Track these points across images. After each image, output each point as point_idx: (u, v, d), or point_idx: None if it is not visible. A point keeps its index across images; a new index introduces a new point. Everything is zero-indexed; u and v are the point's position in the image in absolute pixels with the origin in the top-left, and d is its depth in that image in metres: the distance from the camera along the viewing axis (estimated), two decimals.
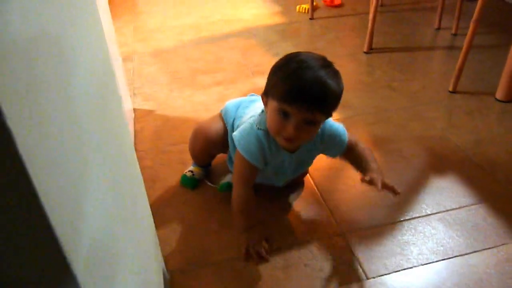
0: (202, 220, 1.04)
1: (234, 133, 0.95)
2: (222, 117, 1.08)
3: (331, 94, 0.82)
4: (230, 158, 1.09)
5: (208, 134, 1.07)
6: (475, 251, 0.93)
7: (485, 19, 2.10)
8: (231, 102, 1.09)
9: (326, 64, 0.84)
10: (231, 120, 1.05)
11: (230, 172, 1.13)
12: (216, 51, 1.91)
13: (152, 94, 1.59)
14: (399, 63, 1.75)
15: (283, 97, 0.82)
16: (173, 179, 1.16)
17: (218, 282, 0.89)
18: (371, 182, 0.86)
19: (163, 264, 0.88)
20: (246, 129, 0.93)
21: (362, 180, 0.87)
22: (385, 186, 0.86)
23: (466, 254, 0.93)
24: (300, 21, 2.21)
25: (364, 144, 1.00)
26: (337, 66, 0.86)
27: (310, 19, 2.21)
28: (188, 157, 1.17)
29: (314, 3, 2.27)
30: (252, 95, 1.12)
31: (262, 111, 0.94)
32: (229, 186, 1.09)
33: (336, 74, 0.84)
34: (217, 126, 1.07)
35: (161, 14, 2.37)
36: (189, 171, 1.16)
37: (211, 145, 1.08)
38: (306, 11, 2.28)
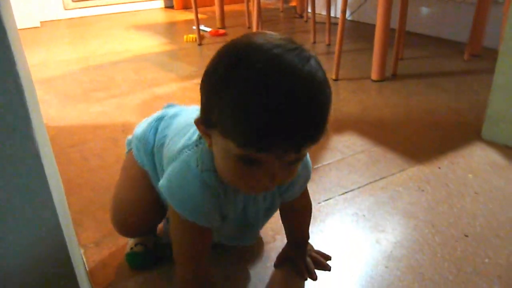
0: None
1: (161, 183, 0.60)
2: (135, 160, 0.72)
3: (327, 109, 0.48)
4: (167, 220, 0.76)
5: (137, 211, 0.73)
6: (382, 178, 1.02)
7: (350, 34, 2.44)
8: (140, 127, 0.74)
9: (300, 52, 0.48)
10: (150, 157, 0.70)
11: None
12: (108, 74, 1.87)
13: (41, 112, 1.47)
14: None
15: (247, 142, 0.46)
16: (75, 173, 1.07)
17: None
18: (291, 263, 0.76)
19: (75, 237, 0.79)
20: (180, 173, 0.58)
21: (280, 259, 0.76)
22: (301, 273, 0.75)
23: (375, 181, 1.01)
24: (189, 47, 2.30)
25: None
26: None
27: (199, 45, 2.31)
28: (92, 153, 1.09)
29: (201, 33, 2.40)
30: (169, 105, 0.76)
31: (200, 138, 0.59)
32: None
33: (318, 63, 0.49)
34: (138, 190, 0.73)
35: (44, 53, 2.27)
36: (136, 244, 0.76)
37: (150, 217, 0.75)
38: (194, 40, 2.39)
